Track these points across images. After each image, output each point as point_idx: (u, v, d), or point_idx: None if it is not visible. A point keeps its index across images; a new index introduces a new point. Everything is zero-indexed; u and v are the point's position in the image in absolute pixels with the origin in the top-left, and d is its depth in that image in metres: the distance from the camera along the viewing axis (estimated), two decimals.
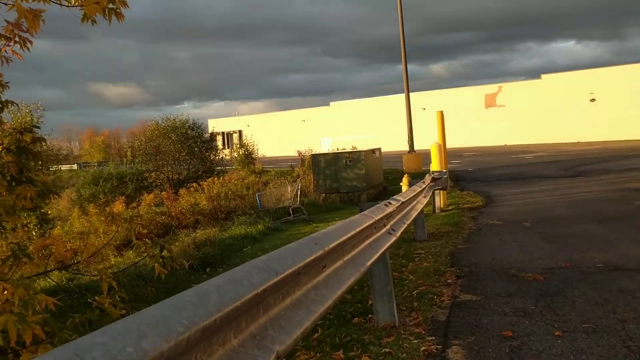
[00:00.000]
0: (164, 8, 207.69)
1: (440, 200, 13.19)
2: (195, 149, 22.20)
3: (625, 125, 40.59)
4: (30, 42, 5.18)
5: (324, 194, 17.79)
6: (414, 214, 7.60)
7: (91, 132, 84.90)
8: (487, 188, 17.10)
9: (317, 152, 19.04)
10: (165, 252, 3.88)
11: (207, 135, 23.59)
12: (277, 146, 55.08)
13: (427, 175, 11.73)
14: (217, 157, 23.63)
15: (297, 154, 25.27)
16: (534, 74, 48.77)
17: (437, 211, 12.83)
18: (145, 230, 13.71)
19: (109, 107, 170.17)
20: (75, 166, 53.74)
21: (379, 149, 19.14)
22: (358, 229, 3.96)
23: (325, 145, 50.55)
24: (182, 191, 16.08)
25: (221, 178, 21.55)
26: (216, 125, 62.50)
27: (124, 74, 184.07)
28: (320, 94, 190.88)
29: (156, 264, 3.77)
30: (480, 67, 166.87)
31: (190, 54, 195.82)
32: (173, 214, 14.45)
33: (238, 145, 27.86)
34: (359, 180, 17.43)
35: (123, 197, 16.59)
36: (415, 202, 8.19)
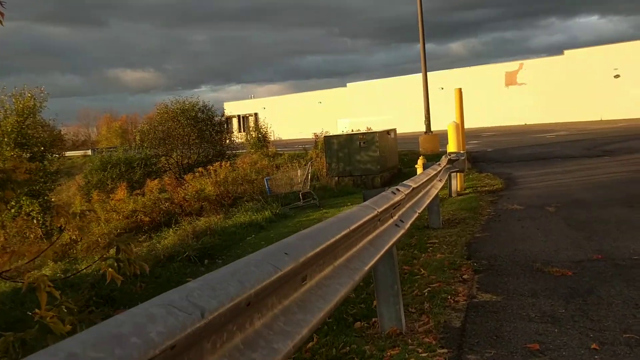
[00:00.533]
0: None
1: (457, 183, 12.44)
2: (206, 132, 21.53)
3: None
4: (1, 14, 4.58)
5: (336, 178, 17.10)
6: (428, 200, 6.90)
7: (109, 117, 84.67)
8: (507, 169, 16.29)
9: (329, 134, 18.31)
10: (122, 254, 3.25)
11: (218, 118, 22.88)
12: (293, 129, 54.43)
13: (443, 156, 10.99)
14: (227, 141, 22.89)
15: (313, 137, 24.56)
16: (556, 50, 47.34)
17: (453, 195, 12.10)
18: (148, 218, 13.11)
19: (127, 92, 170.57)
20: (90, 152, 53.45)
21: (394, 130, 18.37)
22: (353, 226, 3.29)
23: (342, 126, 49.74)
24: (187, 176, 15.41)
25: (230, 162, 20.96)
26: (232, 108, 61.99)
27: (142, 58, 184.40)
28: (338, 75, 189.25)
29: (109, 270, 3.14)
30: (501, 44, 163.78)
31: (207, 37, 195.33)
32: (176, 201, 13.78)
33: (252, 128, 27.16)
34: (372, 162, 16.70)
35: (125, 184, 15.93)
36: (429, 187, 7.49)
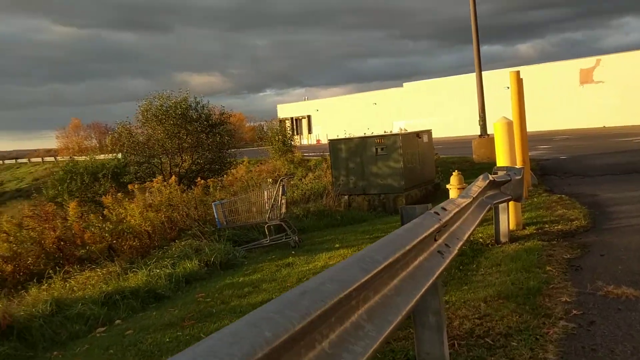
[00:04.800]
0: None
1: (510, 216, 7.15)
2: (202, 135, 16.78)
3: None
4: None
5: (346, 196, 12.03)
6: (399, 313, 1.87)
7: None
8: (590, 188, 10.73)
9: (337, 137, 13.22)
10: None
11: (216, 117, 17.94)
12: (349, 131, 49.35)
13: (480, 177, 5.82)
14: (228, 146, 17.86)
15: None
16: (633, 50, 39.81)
17: (502, 239, 6.84)
18: (10, 267, 8.27)
19: (194, 96, 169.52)
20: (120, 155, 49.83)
21: (429, 132, 13.03)
22: None
23: (398, 128, 44.31)
24: (106, 199, 10.47)
25: (231, 171, 16.21)
26: (286, 110, 57.71)
27: (207, 63, 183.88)
28: (400, 78, 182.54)
29: None
30: (571, 45, 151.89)
31: (270, 41, 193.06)
32: (46, 242, 8.77)
33: (275, 132, 22.40)
34: (394, 176, 11.52)
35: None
36: (403, 274, 2.46)
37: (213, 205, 8.78)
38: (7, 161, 66.53)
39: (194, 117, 16.69)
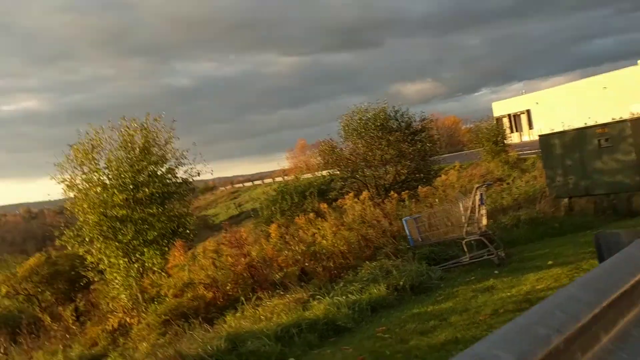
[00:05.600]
0: None
1: None
2: (403, 144, 15.97)
3: None
4: None
5: (565, 199, 10.28)
6: None
7: None
8: None
9: (548, 132, 11.38)
10: None
11: (417, 125, 16.87)
12: (574, 122, 44.51)
13: None
14: (431, 153, 16.75)
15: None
16: None
17: None
18: (211, 294, 8.09)
19: (407, 104, 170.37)
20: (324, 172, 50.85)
21: None
22: None
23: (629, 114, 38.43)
24: (299, 219, 10.05)
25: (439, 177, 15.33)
26: (501, 108, 54.30)
27: (419, 70, 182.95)
28: (635, 56, 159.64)
29: None
30: None
31: (481, 39, 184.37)
32: (237, 269, 8.26)
33: (485, 133, 20.72)
34: (626, 171, 9.48)
35: (181, 241, 10.58)
36: None
37: (404, 222, 8.07)
38: (246, 184, 73.95)
39: (394, 126, 16.19)
